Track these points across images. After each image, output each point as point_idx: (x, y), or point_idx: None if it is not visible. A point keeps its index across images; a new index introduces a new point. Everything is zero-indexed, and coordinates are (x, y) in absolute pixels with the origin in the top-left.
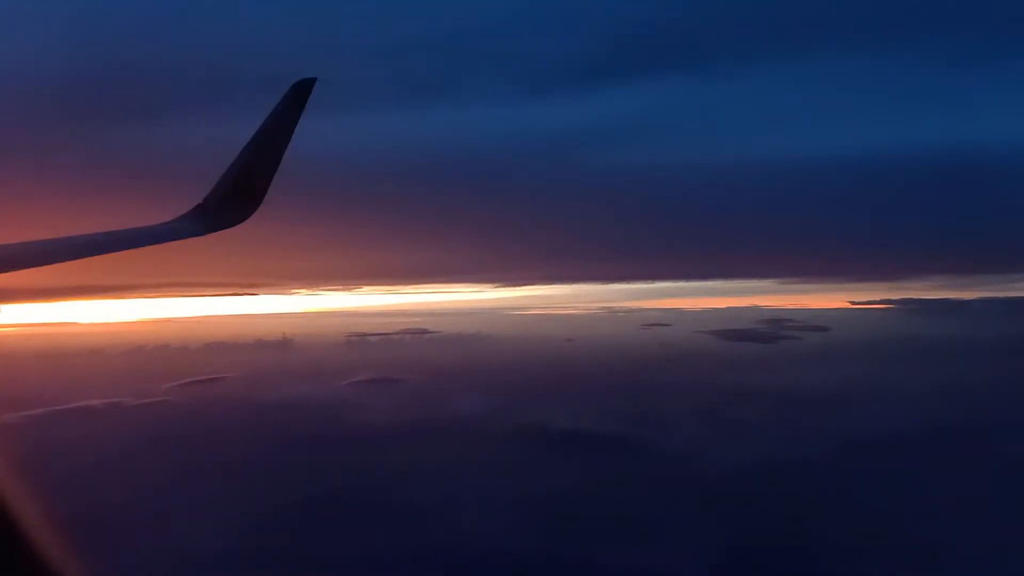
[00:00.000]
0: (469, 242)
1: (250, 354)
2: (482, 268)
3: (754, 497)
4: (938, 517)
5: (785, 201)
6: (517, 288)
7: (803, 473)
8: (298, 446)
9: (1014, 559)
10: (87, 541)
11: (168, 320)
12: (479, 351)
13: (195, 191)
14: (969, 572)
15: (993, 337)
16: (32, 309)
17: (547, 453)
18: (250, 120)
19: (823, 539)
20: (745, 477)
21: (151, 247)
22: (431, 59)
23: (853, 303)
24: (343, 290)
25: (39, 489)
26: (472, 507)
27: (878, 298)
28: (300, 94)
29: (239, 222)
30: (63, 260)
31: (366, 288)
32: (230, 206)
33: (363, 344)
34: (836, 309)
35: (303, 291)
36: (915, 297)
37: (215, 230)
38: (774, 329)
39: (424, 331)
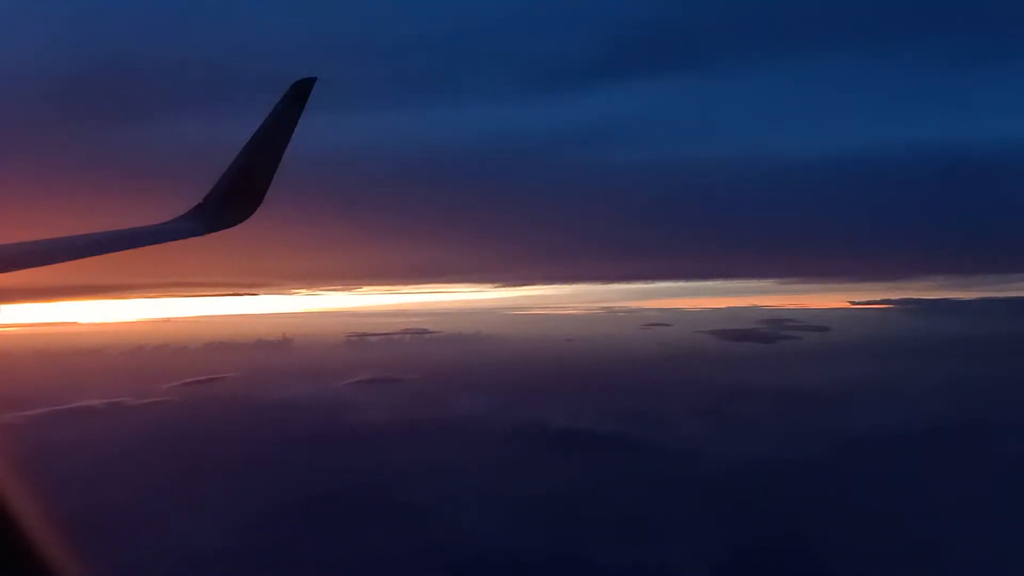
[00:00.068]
0: (469, 242)
1: (250, 354)
2: (482, 268)
3: (754, 496)
4: (938, 517)
5: (785, 201)
6: (517, 288)
7: (803, 472)
8: (298, 446)
9: (1014, 559)
10: (87, 541)
11: (168, 320)
12: (479, 351)
13: (195, 191)
14: (969, 572)
15: (993, 337)
16: (32, 309)
17: (547, 453)
18: (250, 120)
19: (823, 539)
20: (745, 476)
21: (151, 247)
22: (431, 59)
23: (853, 303)
24: (343, 290)
25: (39, 489)
26: (472, 507)
27: (878, 298)
28: (300, 94)
29: (239, 222)
30: (63, 260)
31: (366, 288)
32: (230, 206)
33: (363, 344)
34: (836, 309)
35: (303, 291)
36: (915, 297)
37: (215, 230)
38: (774, 329)
39: (424, 331)
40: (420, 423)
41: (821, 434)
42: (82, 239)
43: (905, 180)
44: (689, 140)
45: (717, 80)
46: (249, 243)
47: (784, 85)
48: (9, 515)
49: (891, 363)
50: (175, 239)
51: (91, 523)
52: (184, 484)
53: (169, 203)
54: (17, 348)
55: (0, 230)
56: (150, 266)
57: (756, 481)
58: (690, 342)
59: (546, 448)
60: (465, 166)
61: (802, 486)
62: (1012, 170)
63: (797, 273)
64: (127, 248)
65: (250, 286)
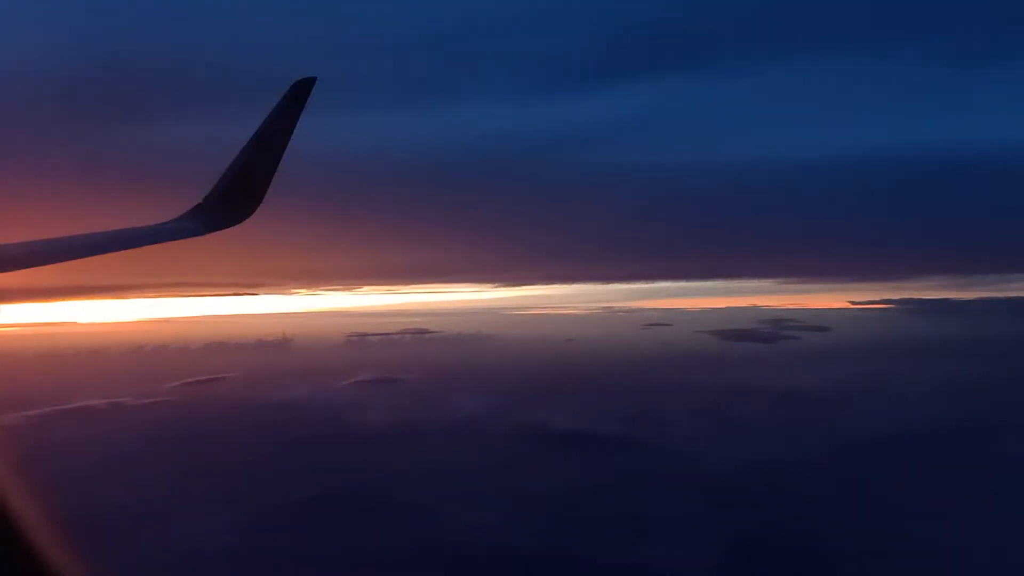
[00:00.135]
0: (469, 242)
1: (250, 354)
2: (482, 268)
3: (754, 497)
4: (938, 517)
5: (785, 201)
6: (517, 288)
7: (803, 473)
8: (298, 446)
9: (1014, 559)
10: (87, 541)
11: (168, 320)
12: (479, 351)
13: (195, 191)
14: (969, 572)
15: (993, 337)
16: (32, 309)
17: (547, 453)
18: (250, 120)
19: (823, 539)
20: (745, 477)
21: (151, 247)
22: (431, 59)
23: (853, 303)
24: (343, 290)
25: (39, 489)
26: (472, 507)
27: (878, 298)
28: (300, 93)
29: (239, 222)
30: (63, 260)
31: (366, 288)
32: (230, 206)
33: (363, 344)
34: (836, 309)
35: (303, 291)
36: (915, 297)
37: (215, 230)
38: (774, 329)
39: (424, 331)
40: (420, 423)
41: (821, 434)
42: (82, 239)
43: (905, 180)
44: (689, 141)
45: (717, 81)
46: (249, 243)
47: (784, 86)
48: (9, 515)
49: (891, 363)
50: (175, 239)
51: (91, 523)
52: (184, 484)
53: (169, 203)
54: (17, 348)
55: (0, 230)
56: (150, 266)
57: (756, 481)
58: (690, 342)
59: (546, 448)
60: (465, 166)
61: (802, 486)
62: (1012, 170)
63: (797, 273)
64: (127, 248)
65: (250, 286)
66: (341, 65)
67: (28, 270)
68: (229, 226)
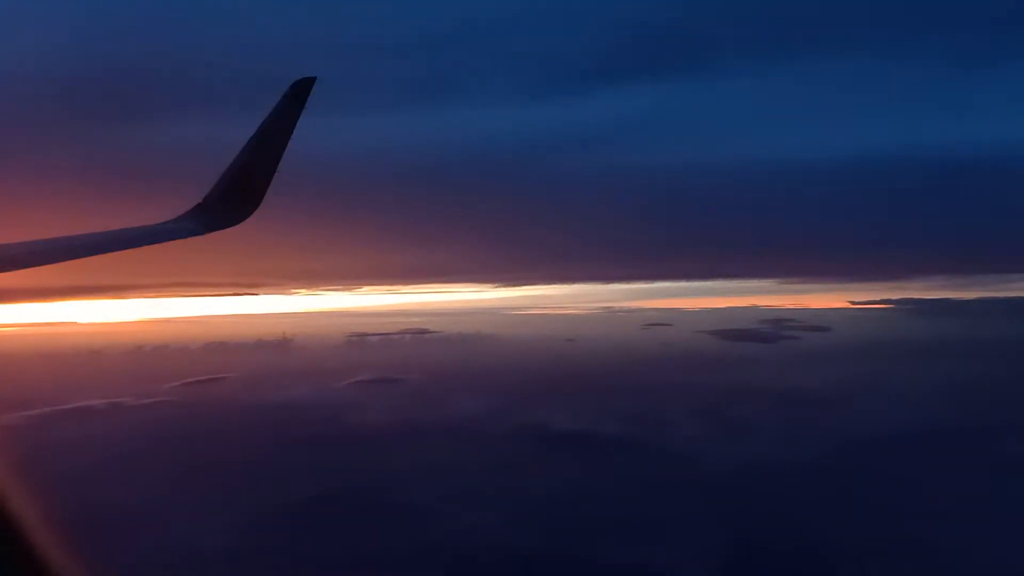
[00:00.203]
0: (469, 242)
1: (250, 354)
2: (482, 268)
3: (754, 497)
4: (938, 517)
5: (785, 201)
6: (517, 288)
7: (803, 473)
8: (298, 446)
9: (1014, 559)
10: (87, 541)
11: (168, 320)
12: (479, 351)
13: (195, 191)
14: (969, 572)
15: (993, 337)
16: (32, 309)
17: (547, 453)
18: (250, 120)
19: (823, 539)
20: (745, 477)
21: (151, 247)
22: (431, 59)
23: (853, 303)
24: (343, 290)
25: (39, 489)
26: (472, 507)
27: (878, 298)
28: (300, 93)
29: (239, 221)
30: (63, 260)
31: (366, 288)
32: (230, 205)
33: (363, 344)
34: (836, 309)
35: (303, 291)
36: (915, 297)
37: (215, 229)
38: (774, 329)
39: (424, 331)
40: (420, 423)
41: (821, 434)
42: (82, 239)
43: (905, 180)
44: (689, 141)
45: (717, 81)
46: (249, 243)
47: (784, 87)
48: (9, 515)
49: (891, 363)
50: (175, 239)
51: (91, 523)
52: (184, 484)
53: (169, 203)
54: (17, 348)
55: (0, 230)
56: (150, 266)
57: (756, 481)
58: (690, 342)
59: (546, 448)
60: (465, 167)
61: (802, 486)
62: (1012, 170)
63: (797, 273)
64: (127, 248)
65: (250, 286)
66: (341, 65)
67: (28, 270)
68: (229, 226)
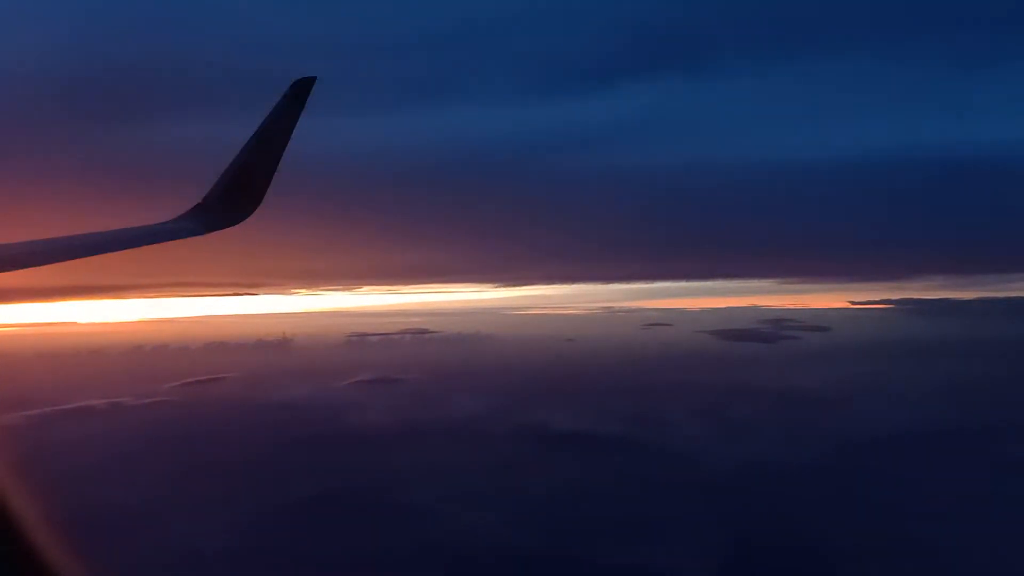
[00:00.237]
0: (469, 242)
1: (250, 354)
2: (482, 268)
3: (754, 497)
4: (938, 517)
5: (786, 201)
6: (517, 288)
7: (803, 473)
8: (298, 446)
9: (1014, 559)
10: (87, 541)
11: (168, 320)
12: (479, 351)
13: (195, 191)
14: (969, 572)
15: (993, 337)
16: (32, 309)
17: (548, 453)
18: (250, 120)
19: (823, 539)
20: (745, 477)
21: (151, 247)
22: (431, 59)
23: (853, 303)
24: (343, 290)
25: (39, 489)
26: (472, 507)
27: (878, 298)
28: (300, 93)
29: (239, 221)
30: (63, 260)
31: (366, 288)
32: (230, 205)
33: (363, 344)
34: (836, 309)
35: (303, 291)
36: (915, 297)
37: (215, 229)
38: (775, 329)
39: (424, 331)
40: (420, 423)
41: (821, 435)
42: (82, 239)
43: (905, 180)
44: (689, 141)
45: (717, 81)
46: (249, 243)
47: (784, 87)
48: (9, 515)
49: (891, 363)
50: (175, 239)
51: (91, 523)
52: (184, 484)
53: (169, 203)
54: (17, 348)
55: (0, 230)
56: (150, 266)
57: (756, 481)
58: (690, 342)
59: (546, 448)
60: (465, 166)
61: (802, 486)
62: (1012, 170)
63: (797, 273)
64: (127, 248)
65: (250, 286)
66: (341, 65)
67: (28, 270)
68: (229, 226)
